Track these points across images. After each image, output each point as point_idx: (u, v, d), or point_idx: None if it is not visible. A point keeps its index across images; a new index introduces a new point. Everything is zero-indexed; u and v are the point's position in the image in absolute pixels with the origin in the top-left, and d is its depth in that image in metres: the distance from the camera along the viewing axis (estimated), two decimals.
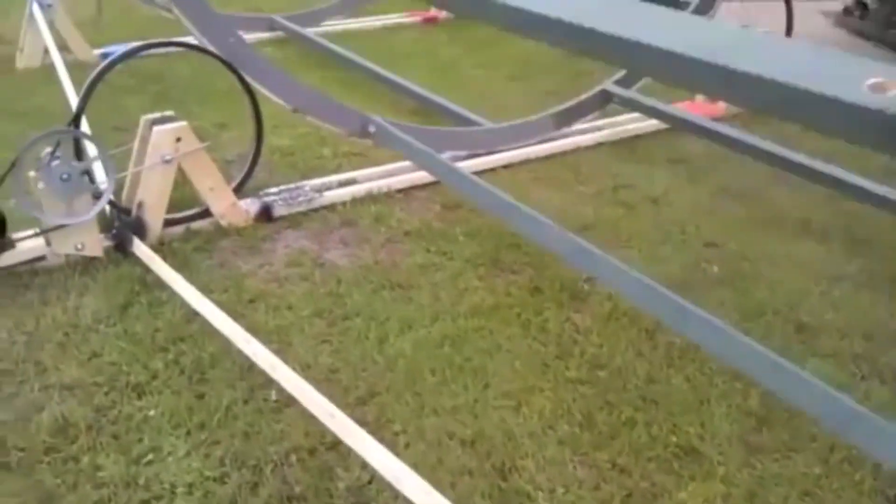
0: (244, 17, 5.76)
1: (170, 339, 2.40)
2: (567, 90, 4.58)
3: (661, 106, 3.80)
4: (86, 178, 2.70)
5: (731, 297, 2.70)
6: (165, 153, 2.81)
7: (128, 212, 2.88)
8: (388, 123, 3.29)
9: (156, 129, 2.80)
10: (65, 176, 2.62)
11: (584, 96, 3.99)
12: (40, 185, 2.62)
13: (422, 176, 3.37)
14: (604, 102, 4.01)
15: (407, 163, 3.45)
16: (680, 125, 3.72)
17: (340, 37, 5.57)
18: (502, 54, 5.34)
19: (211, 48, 2.95)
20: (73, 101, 4.12)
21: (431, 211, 3.21)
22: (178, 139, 2.83)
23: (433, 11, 6.20)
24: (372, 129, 3.32)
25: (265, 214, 3.11)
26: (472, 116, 3.87)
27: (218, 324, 2.34)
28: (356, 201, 3.25)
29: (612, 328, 2.51)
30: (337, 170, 3.54)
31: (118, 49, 5.29)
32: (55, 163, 2.63)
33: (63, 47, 4.83)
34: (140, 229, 2.85)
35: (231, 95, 4.42)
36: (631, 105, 3.94)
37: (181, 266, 2.76)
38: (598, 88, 4.01)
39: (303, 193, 3.19)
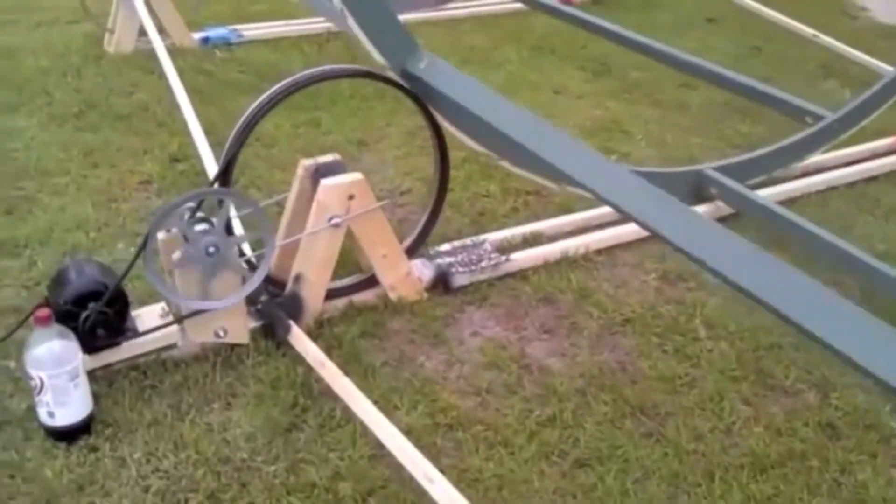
0: None
1: (358, 493, 1.76)
2: None
3: None
4: (237, 248, 2.05)
5: None
6: (335, 215, 2.15)
7: (280, 284, 2.24)
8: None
9: (324, 184, 2.14)
10: (211, 249, 1.97)
11: None
12: (176, 256, 1.98)
13: (627, 231, 2.67)
14: None
15: (601, 210, 2.76)
16: None
17: None
18: None
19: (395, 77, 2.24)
20: (183, 100, 3.50)
21: (649, 285, 2.51)
22: (351, 196, 2.16)
23: None
24: None
25: (441, 283, 2.45)
26: None
27: (426, 483, 1.69)
28: (549, 265, 2.56)
29: None
30: (513, 215, 2.86)
31: (218, 33, 4.65)
32: (198, 228, 1.98)
33: (158, 29, 4.17)
34: (295, 308, 2.21)
35: (362, 97, 3.77)
36: None
37: (350, 360, 2.13)
38: None
39: (485, 255, 2.51)
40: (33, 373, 1.81)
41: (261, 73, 4.00)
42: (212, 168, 2.99)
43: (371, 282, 2.37)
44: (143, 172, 3.06)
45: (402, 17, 2.16)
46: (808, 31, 4.43)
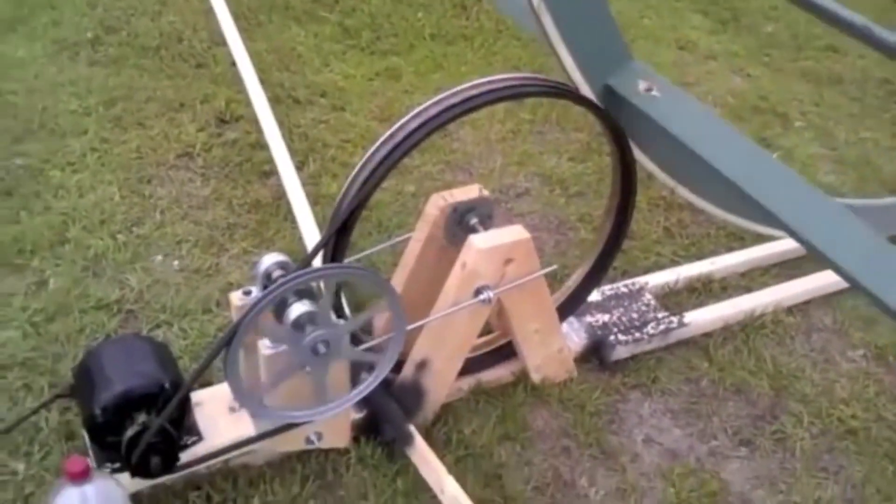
0: None
1: None
2: None
3: None
4: (348, 340, 1.41)
5: None
6: (486, 288, 1.50)
7: (395, 367, 1.61)
8: None
9: (476, 245, 1.48)
10: (322, 348, 1.33)
11: None
12: (266, 351, 1.34)
13: (820, 283, 2.05)
14: None
15: (784, 245, 2.12)
16: None
17: None
18: None
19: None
20: (230, 32, 2.82)
21: (861, 368, 1.90)
22: (509, 261, 1.51)
23: None
24: None
25: (595, 354, 1.83)
26: None
27: None
28: (730, 330, 1.94)
29: None
30: (667, 241, 2.21)
31: None
32: (299, 309, 1.33)
33: None
34: (414, 402, 1.59)
35: (446, 38, 3.01)
36: None
37: (490, 482, 1.55)
38: None
39: (650, 313, 1.89)
40: None
41: None
42: (276, 144, 2.31)
43: (504, 350, 1.75)
44: (182, 139, 2.36)
45: None
46: None
